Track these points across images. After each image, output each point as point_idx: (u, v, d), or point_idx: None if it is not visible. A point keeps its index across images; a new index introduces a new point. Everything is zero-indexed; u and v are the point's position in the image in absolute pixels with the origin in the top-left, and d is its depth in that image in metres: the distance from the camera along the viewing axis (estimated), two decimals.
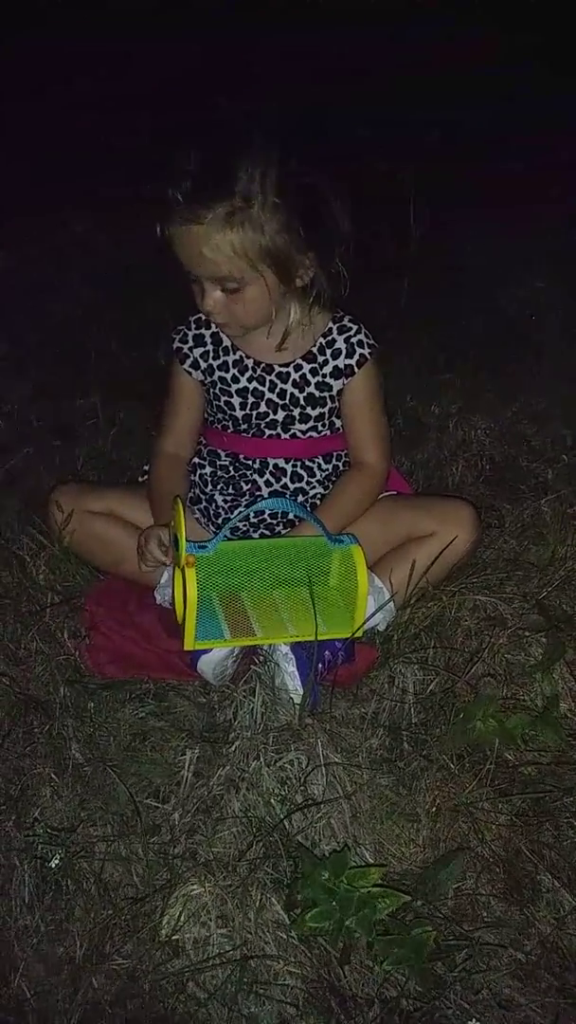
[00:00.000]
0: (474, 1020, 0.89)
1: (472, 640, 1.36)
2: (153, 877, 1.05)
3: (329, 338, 1.39)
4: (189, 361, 1.42)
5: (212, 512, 1.44)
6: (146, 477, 1.51)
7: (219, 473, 1.45)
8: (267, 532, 1.42)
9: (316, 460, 1.44)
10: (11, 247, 2.76)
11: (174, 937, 1.00)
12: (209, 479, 1.45)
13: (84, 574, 1.46)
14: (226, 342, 1.41)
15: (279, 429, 1.42)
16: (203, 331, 1.42)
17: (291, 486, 1.42)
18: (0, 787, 1.14)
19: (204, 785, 1.15)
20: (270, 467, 1.42)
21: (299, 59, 4.26)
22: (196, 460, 1.48)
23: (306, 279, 1.29)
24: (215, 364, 1.41)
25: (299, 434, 1.42)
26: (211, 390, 1.43)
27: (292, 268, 1.26)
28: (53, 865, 1.01)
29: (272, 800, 1.11)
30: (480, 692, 1.25)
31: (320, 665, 1.25)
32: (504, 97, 3.89)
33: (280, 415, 1.41)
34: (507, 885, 1.07)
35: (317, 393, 1.40)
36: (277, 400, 1.40)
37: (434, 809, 1.14)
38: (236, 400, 1.41)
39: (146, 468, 1.54)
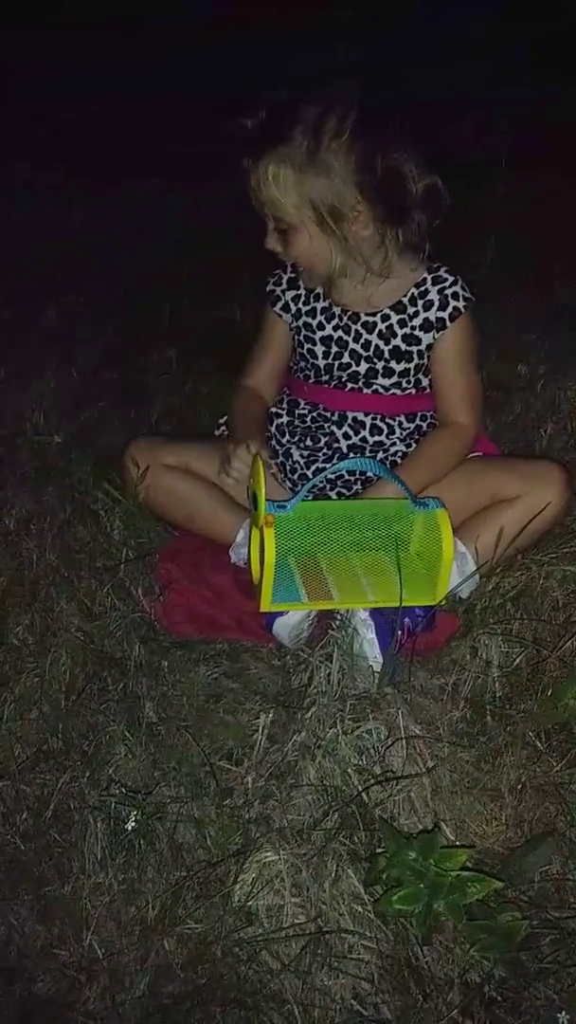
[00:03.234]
0: (564, 1013, 0.84)
1: (560, 613, 1.29)
2: (227, 841, 1.03)
3: (422, 288, 1.32)
4: (280, 304, 1.41)
5: (289, 467, 1.39)
6: (222, 430, 1.48)
7: (296, 422, 1.41)
8: (344, 490, 1.37)
9: (398, 418, 1.38)
10: (86, 205, 2.73)
11: (247, 904, 0.97)
12: (286, 429, 1.41)
13: (158, 530, 1.44)
14: (319, 288, 1.36)
15: (361, 383, 1.37)
16: (298, 276, 1.38)
17: (370, 439, 1.37)
18: (75, 743, 1.13)
19: (278, 750, 1.11)
20: (349, 420, 1.37)
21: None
22: (274, 410, 1.45)
23: (362, 233, 1.26)
24: (304, 309, 1.38)
25: (381, 390, 1.37)
26: (296, 336, 1.40)
27: (340, 221, 1.24)
28: (129, 827, 1.00)
29: (349, 770, 1.07)
30: (573, 668, 1.19)
31: (399, 633, 1.20)
32: None
33: (363, 367, 1.36)
34: None
35: (403, 347, 1.34)
36: (361, 351, 1.35)
37: (519, 787, 1.08)
38: (319, 348, 1.37)
39: (221, 422, 1.50)
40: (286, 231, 1.27)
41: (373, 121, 1.21)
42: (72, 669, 1.21)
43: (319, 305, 1.37)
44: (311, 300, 1.38)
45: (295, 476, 1.39)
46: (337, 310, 1.36)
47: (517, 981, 0.89)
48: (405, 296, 1.33)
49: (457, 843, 1.02)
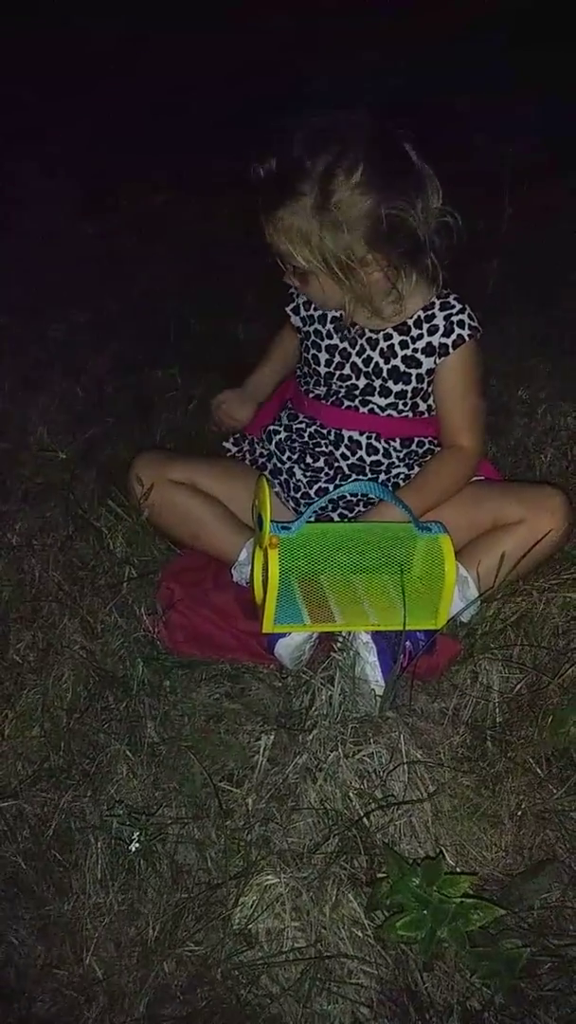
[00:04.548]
0: None
1: (561, 639, 1.30)
2: (228, 863, 1.03)
3: (429, 313, 1.34)
4: (292, 305, 1.45)
5: (292, 486, 1.40)
6: (233, 451, 1.49)
7: (294, 437, 1.43)
8: (346, 511, 1.38)
9: (392, 442, 1.39)
10: (95, 216, 2.74)
11: (248, 927, 0.97)
12: (285, 446, 1.43)
13: (161, 548, 1.44)
14: None
15: (357, 400, 1.39)
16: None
17: (367, 459, 1.39)
18: (76, 762, 1.13)
19: (279, 772, 1.12)
20: (345, 439, 1.39)
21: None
22: (272, 427, 1.46)
23: (372, 278, 1.27)
24: (316, 315, 1.41)
25: (377, 409, 1.38)
26: (304, 341, 1.43)
27: (350, 271, 1.25)
28: (133, 849, 1.00)
29: (350, 794, 1.07)
30: (573, 694, 1.19)
31: (401, 656, 1.20)
32: None
33: (361, 382, 1.38)
34: None
35: (402, 367, 1.35)
36: (361, 366, 1.37)
37: (519, 813, 1.09)
38: (323, 356, 1.40)
39: (226, 444, 1.51)
40: (302, 273, 1.29)
41: (384, 160, 1.20)
42: (74, 687, 1.21)
43: (331, 314, 1.39)
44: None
45: (297, 495, 1.40)
46: (347, 321, 1.38)
47: (517, 1009, 0.89)
48: (411, 318, 1.35)
49: (458, 869, 1.02)
